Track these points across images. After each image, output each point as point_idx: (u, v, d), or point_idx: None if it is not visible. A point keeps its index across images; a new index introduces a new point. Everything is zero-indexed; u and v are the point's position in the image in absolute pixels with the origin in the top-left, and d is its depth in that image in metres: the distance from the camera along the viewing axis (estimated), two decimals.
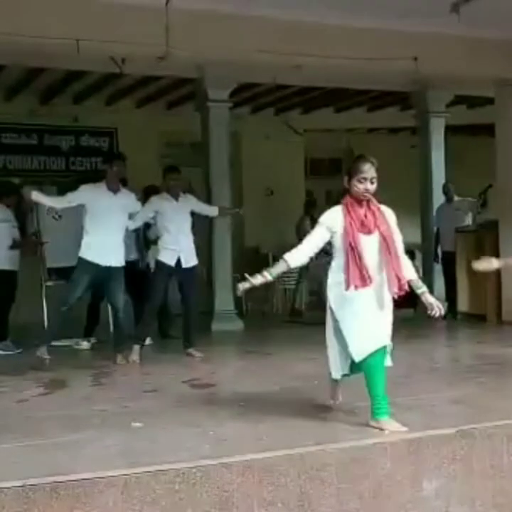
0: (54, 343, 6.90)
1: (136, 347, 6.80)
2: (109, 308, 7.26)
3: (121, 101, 10.73)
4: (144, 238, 8.03)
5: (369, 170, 4.31)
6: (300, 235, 7.79)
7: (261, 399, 5.14)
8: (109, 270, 6.63)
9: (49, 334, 6.87)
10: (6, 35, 6.89)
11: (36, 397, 5.41)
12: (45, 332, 7.02)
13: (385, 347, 4.29)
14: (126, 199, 6.87)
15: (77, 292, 6.62)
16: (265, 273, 4.37)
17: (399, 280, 4.27)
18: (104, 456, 3.82)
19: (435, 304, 4.37)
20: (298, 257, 4.42)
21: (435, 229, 10.18)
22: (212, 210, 7.91)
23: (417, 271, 5.07)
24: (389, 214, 4.44)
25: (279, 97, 11.09)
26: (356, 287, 4.23)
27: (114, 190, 6.76)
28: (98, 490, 3.43)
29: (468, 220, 9.92)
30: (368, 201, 4.35)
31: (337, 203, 4.46)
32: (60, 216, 8.24)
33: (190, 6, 7.22)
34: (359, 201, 4.33)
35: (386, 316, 4.34)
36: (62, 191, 10.49)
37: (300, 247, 4.43)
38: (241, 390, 5.45)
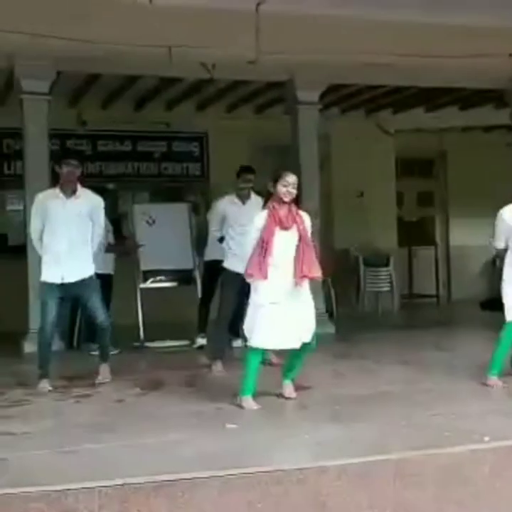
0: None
1: (219, 362, 6.47)
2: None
3: (211, 106, 10.85)
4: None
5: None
6: None
7: (356, 402, 5.09)
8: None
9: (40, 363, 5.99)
10: (101, 44, 7.09)
11: (133, 397, 5.51)
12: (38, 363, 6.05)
13: None
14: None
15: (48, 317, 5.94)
16: None
17: None
18: (199, 457, 3.87)
19: None
20: None
21: None
22: None
23: None
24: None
25: (369, 98, 10.97)
26: None
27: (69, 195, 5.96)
28: (195, 490, 3.47)
29: None
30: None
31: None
32: (153, 221, 8.43)
33: (279, 9, 7.23)
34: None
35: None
36: (153, 196, 10.85)
37: None
38: (335, 393, 5.42)
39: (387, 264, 11.58)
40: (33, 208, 6.09)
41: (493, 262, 12.68)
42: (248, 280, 5.14)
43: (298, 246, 5.10)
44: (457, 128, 12.35)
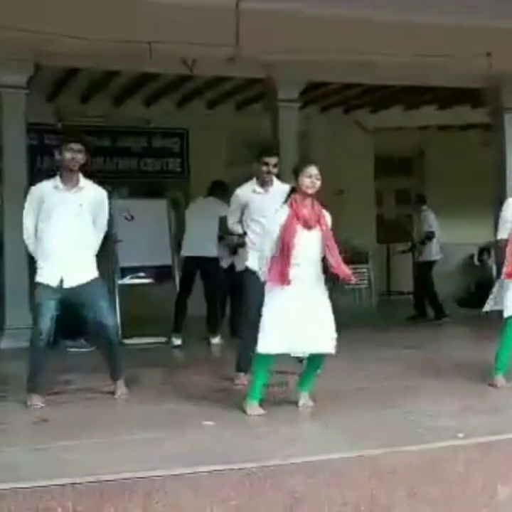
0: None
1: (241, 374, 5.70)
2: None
3: (192, 102, 10.83)
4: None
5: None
6: None
7: (331, 399, 5.12)
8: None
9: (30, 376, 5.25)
10: (79, 40, 7.06)
11: (109, 394, 5.51)
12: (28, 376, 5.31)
13: None
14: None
15: None
16: None
17: None
18: (175, 454, 3.87)
19: None
20: None
21: None
22: None
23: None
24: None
25: (348, 96, 11.01)
26: None
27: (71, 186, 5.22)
28: (170, 487, 3.48)
29: None
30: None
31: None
32: (132, 217, 8.40)
33: (260, 6, 7.24)
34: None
35: None
36: (133, 192, 10.80)
37: None
38: (312, 390, 5.44)
39: (365, 262, 11.65)
40: (27, 201, 5.24)
41: (471, 259, 12.79)
42: (268, 285, 4.73)
43: (322, 246, 4.73)
44: (435, 127, 12.43)
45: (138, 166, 11.15)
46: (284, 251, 4.62)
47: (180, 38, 7.35)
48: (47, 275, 5.12)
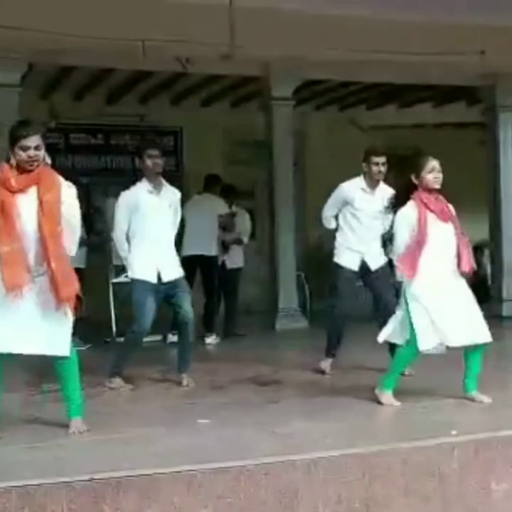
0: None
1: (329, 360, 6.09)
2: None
3: (186, 100, 10.81)
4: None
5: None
6: None
7: (327, 396, 5.12)
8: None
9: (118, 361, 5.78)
10: (73, 38, 7.04)
11: (104, 392, 5.50)
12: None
13: None
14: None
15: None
16: None
17: None
18: (170, 452, 3.86)
19: None
20: None
21: None
22: None
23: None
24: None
25: (343, 94, 11.01)
26: None
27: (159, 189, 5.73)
28: (164, 485, 3.47)
29: None
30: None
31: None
32: None
33: (254, 4, 7.24)
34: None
35: None
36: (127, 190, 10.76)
37: None
38: (306, 387, 5.44)
39: None
40: (119, 206, 5.66)
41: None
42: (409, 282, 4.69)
43: (456, 238, 4.73)
44: (430, 125, 12.43)
45: (132, 164, 11.11)
46: (418, 243, 4.61)
47: (174, 36, 7.35)
48: (147, 272, 5.54)
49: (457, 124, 12.39)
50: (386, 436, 4.11)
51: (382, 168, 5.97)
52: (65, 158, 10.36)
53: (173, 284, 5.60)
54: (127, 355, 5.73)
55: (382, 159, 5.99)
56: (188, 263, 8.09)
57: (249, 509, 3.55)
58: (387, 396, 4.78)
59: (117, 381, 5.60)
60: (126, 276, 8.49)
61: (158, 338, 8.08)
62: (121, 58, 8.01)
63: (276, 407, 4.98)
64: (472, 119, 11.38)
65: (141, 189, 5.65)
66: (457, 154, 11.89)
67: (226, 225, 8.33)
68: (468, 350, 4.76)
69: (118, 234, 5.68)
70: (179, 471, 3.52)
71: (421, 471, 3.84)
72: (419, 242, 4.61)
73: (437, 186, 4.77)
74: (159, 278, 5.54)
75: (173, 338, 7.93)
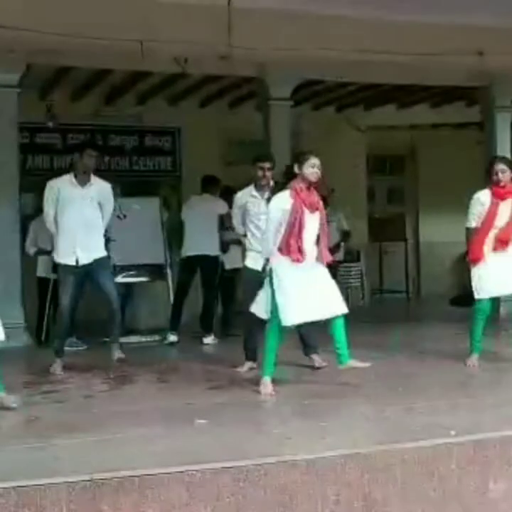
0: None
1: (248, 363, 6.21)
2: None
3: (184, 100, 10.82)
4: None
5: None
6: None
7: (325, 397, 5.12)
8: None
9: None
10: (71, 37, 7.05)
11: (103, 392, 5.50)
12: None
13: None
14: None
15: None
16: None
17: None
18: (170, 452, 3.87)
19: None
20: None
21: None
22: None
23: None
24: None
25: (340, 95, 11.03)
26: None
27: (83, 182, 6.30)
28: (163, 485, 3.48)
29: None
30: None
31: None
32: (124, 215, 8.38)
33: (252, 5, 7.25)
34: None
35: None
36: (125, 190, 10.78)
37: None
38: (304, 388, 5.45)
39: (357, 260, 11.66)
40: (45, 194, 6.33)
41: (464, 258, 12.79)
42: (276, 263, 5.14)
43: (320, 229, 5.23)
44: (428, 125, 12.46)
45: (130, 164, 11.12)
46: (295, 231, 5.05)
47: (172, 37, 7.35)
48: (66, 257, 6.30)
49: (455, 124, 12.42)
50: (385, 436, 4.11)
51: (267, 173, 6.13)
52: (62, 158, 10.32)
53: (91, 266, 6.29)
54: (60, 330, 6.46)
55: (267, 164, 6.16)
56: (189, 263, 8.12)
57: (249, 509, 3.55)
58: (265, 383, 5.13)
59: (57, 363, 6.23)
60: (124, 276, 8.57)
61: (157, 338, 8.09)
62: (120, 59, 8.01)
63: (275, 407, 4.99)
64: (470, 120, 11.40)
65: (64, 181, 6.31)
66: (455, 154, 11.96)
67: (229, 225, 8.36)
68: (331, 326, 5.25)
69: (49, 219, 6.34)
70: (179, 471, 3.53)
71: (420, 471, 3.85)
72: (295, 228, 5.07)
73: (314, 179, 5.23)
74: (77, 261, 6.24)
75: (173, 337, 7.95)
